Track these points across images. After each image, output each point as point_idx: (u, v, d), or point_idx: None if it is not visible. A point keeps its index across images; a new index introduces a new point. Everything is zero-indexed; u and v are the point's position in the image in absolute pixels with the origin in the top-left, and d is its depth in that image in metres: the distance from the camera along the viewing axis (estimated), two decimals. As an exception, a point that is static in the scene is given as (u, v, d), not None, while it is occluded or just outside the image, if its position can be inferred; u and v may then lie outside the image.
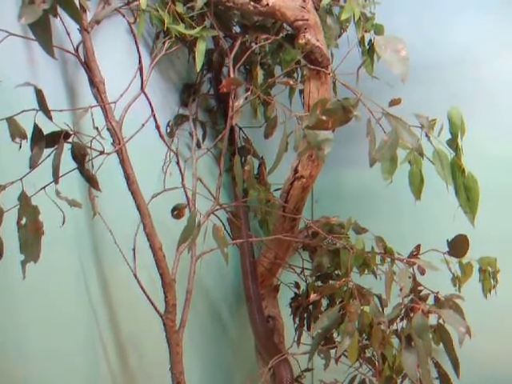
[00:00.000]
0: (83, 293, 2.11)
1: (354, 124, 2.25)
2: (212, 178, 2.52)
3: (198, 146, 2.53)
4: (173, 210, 2.05)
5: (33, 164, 1.40)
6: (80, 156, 1.53)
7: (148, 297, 1.95)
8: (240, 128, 2.73)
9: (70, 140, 1.52)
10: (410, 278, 1.87)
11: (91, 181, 1.61)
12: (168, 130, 2.49)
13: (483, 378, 3.02)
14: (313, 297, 1.92)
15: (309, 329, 2.60)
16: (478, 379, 2.98)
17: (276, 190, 2.68)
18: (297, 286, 2.65)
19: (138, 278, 1.95)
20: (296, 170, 2.34)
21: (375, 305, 1.88)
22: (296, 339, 2.61)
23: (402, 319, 2.00)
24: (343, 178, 3.29)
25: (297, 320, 2.66)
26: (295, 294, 2.66)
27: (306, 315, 2.64)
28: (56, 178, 1.42)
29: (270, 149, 2.37)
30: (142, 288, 1.94)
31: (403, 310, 1.90)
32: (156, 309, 1.96)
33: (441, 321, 1.89)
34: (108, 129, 1.87)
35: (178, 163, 2.14)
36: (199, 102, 2.67)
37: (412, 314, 1.85)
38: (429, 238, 2.14)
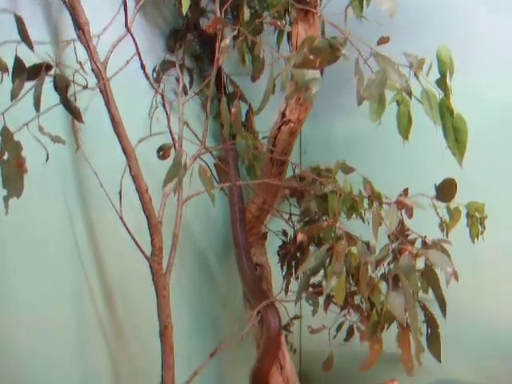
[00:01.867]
0: (69, 237, 2.10)
1: (342, 73, 2.22)
2: (199, 125, 2.48)
3: (185, 92, 2.49)
4: (158, 151, 2.02)
5: (14, 96, 1.37)
6: (62, 88, 1.50)
7: (134, 239, 1.93)
8: (227, 76, 2.69)
9: (52, 73, 1.49)
10: (397, 217, 1.85)
11: (74, 113, 1.58)
12: (154, 76, 2.45)
13: (468, 322, 3.05)
14: (300, 237, 1.91)
15: (297, 277, 2.60)
16: (463, 324, 3.00)
17: (264, 137, 2.65)
18: (284, 233, 2.64)
19: (124, 221, 1.93)
20: (284, 115, 2.32)
21: (362, 245, 1.86)
22: (284, 287, 2.61)
23: (389, 264, 1.99)
24: (331, 128, 3.26)
25: (284, 268, 2.66)
26: (283, 241, 2.65)
27: (293, 263, 2.64)
28: (37, 107, 1.39)
29: (258, 97, 2.34)
30: (128, 231, 1.93)
31: (390, 252, 1.88)
32: (142, 252, 1.94)
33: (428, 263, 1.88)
34: (93, 69, 1.83)
35: (164, 105, 2.10)
36: (186, 48, 2.62)
37: (399, 256, 1.84)
38: (417, 184, 2.13)
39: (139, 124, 2.20)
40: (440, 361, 2.12)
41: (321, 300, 2.45)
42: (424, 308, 2.10)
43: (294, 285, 2.57)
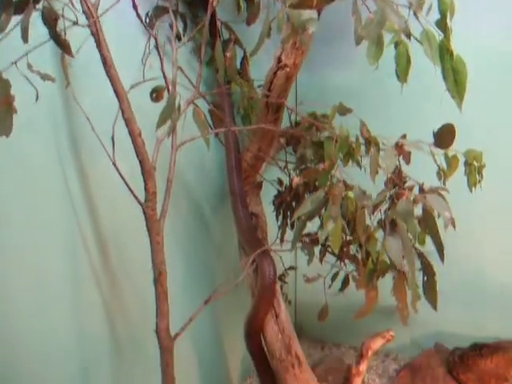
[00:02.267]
0: (60, 183, 2.06)
1: (337, 23, 2.18)
2: (192, 72, 2.44)
3: (179, 38, 2.44)
4: (151, 93, 1.98)
5: (1, 29, 1.32)
6: (51, 21, 1.45)
7: (127, 185, 1.89)
8: (222, 22, 2.63)
9: (40, 6, 1.44)
10: (395, 159, 1.82)
11: (63, 46, 1.54)
12: (147, 21, 2.39)
13: (463, 274, 3.05)
14: (296, 180, 1.87)
15: (292, 226, 2.58)
16: (458, 276, 3.00)
17: (259, 86, 2.60)
18: (280, 182, 2.61)
19: (117, 166, 1.89)
20: (279, 59, 2.27)
21: (359, 189, 1.83)
22: (279, 237, 2.59)
23: (386, 211, 1.97)
24: (327, 78, 3.22)
25: (280, 218, 2.64)
26: (278, 191, 2.62)
27: (289, 212, 2.62)
28: (25, 38, 1.35)
29: (253, 44, 2.29)
30: (121, 176, 1.88)
31: (388, 197, 1.85)
32: (136, 197, 1.91)
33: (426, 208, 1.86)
34: (84, 11, 1.77)
35: (157, 49, 2.05)
36: (179, -6, 2.56)
37: (396, 201, 1.82)
38: (415, 132, 2.11)
39: (132, 70, 2.16)
40: (436, 309, 2.10)
41: (316, 251, 2.45)
42: (420, 255, 2.08)
43: (289, 235, 2.55)
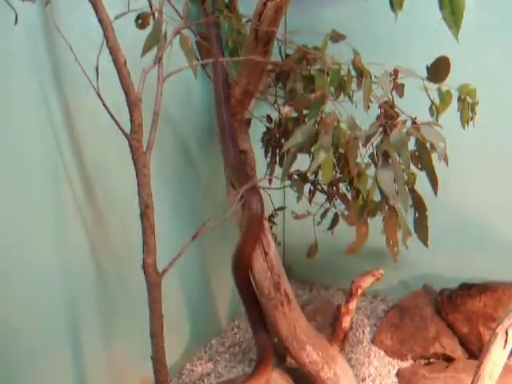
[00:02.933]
0: (42, 117, 2.00)
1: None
2: (179, 3, 2.36)
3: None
4: (137, 19, 1.90)
5: None
6: None
7: (112, 116, 1.83)
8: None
9: None
10: (390, 83, 1.77)
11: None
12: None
13: (453, 215, 3.03)
14: (286, 110, 1.81)
15: (281, 164, 2.54)
16: (448, 217, 2.98)
17: (248, 21, 2.52)
18: (269, 119, 2.56)
19: (101, 97, 1.82)
20: (270, -11, 2.19)
21: (352, 119, 1.78)
22: (268, 175, 2.54)
23: (378, 146, 1.92)
24: (318, 18, 3.16)
25: (269, 156, 2.60)
26: (267, 128, 2.57)
27: (278, 150, 2.57)
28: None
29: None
30: (105, 107, 1.82)
31: (381, 129, 1.80)
32: (121, 129, 1.85)
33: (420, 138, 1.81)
34: None
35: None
36: None
37: (390, 131, 1.77)
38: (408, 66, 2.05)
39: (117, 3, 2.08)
40: (427, 246, 2.07)
41: (306, 192, 2.42)
42: (412, 191, 2.05)
43: (278, 173, 2.52)
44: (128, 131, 1.87)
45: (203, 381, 2.74)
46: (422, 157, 1.79)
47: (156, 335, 1.99)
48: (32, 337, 2.08)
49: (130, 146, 1.87)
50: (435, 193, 1.82)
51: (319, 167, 1.90)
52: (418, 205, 2.03)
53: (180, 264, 2.49)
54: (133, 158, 1.89)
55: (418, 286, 3.21)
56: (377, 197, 2.25)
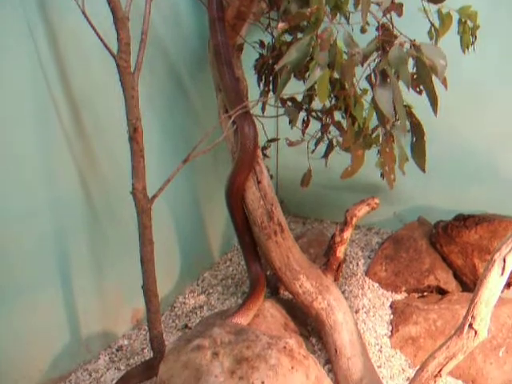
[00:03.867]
0: (29, 46, 1.93)
1: None
2: None
3: None
4: None
5: None
6: None
7: (98, 35, 1.74)
8: None
9: None
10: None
11: None
12: None
13: (449, 147, 2.98)
14: (280, 25, 1.73)
15: (274, 91, 2.46)
16: (444, 149, 2.93)
17: None
18: (262, 44, 2.47)
19: (87, 16, 1.73)
20: None
21: (349, 36, 1.70)
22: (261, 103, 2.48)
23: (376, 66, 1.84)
24: None
25: (262, 84, 2.52)
26: (260, 54, 2.48)
27: (271, 78, 2.50)
28: None
29: None
30: (91, 26, 1.73)
31: (379, 46, 1.73)
32: (108, 49, 1.76)
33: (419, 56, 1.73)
34: None
35: None
36: None
37: (388, 49, 1.69)
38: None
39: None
40: (424, 171, 2.03)
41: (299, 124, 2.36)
42: (410, 114, 1.99)
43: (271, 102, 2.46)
44: (115, 51, 1.79)
45: (196, 313, 2.72)
46: (422, 76, 1.72)
47: (146, 262, 1.95)
48: (20, 269, 2.05)
49: (118, 66, 1.79)
50: (435, 112, 1.76)
51: (314, 90, 1.83)
52: (416, 129, 1.98)
53: (171, 194, 2.45)
54: (120, 80, 1.81)
55: (412, 218, 3.18)
56: (373, 125, 2.21)
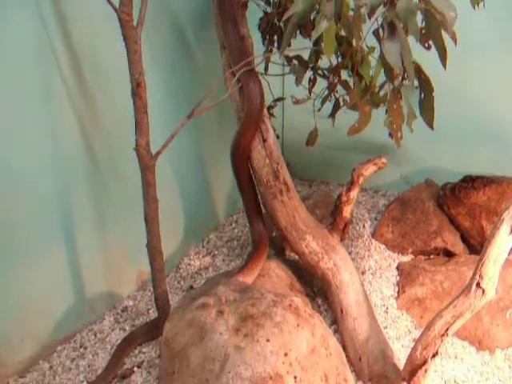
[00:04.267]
0: (31, 2, 1.90)
1: None
2: None
3: None
4: None
5: None
6: None
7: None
8: None
9: None
10: None
11: None
12: None
13: (457, 111, 2.93)
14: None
15: (279, 48, 2.42)
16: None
17: None
18: (267, 1, 2.43)
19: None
20: None
21: (355, -13, 1.66)
22: (264, 62, 2.43)
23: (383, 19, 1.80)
24: None
25: (266, 43, 2.48)
26: (264, 12, 2.44)
27: (276, 37, 2.46)
28: None
29: None
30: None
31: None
32: (110, 3, 1.74)
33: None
34: None
35: None
36: None
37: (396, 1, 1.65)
38: None
39: None
40: (433, 128, 1.99)
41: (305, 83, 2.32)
42: (418, 70, 1.94)
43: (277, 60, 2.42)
44: (117, 5, 1.76)
45: (201, 274, 2.71)
46: (431, 30, 1.68)
47: (150, 220, 1.93)
48: (24, 227, 2.04)
49: (120, 20, 1.76)
50: (444, 67, 1.72)
51: (320, 45, 1.80)
52: (425, 85, 1.94)
53: (175, 154, 2.42)
54: (123, 34, 1.78)
55: (419, 181, 3.13)
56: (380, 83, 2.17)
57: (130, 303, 2.51)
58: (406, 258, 2.79)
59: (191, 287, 2.61)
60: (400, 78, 1.99)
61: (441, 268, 2.56)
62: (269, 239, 2.47)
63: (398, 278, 2.64)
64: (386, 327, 2.34)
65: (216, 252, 2.90)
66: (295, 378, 1.71)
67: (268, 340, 1.71)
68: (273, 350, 1.70)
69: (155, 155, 1.90)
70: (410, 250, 2.82)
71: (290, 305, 1.83)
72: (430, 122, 1.97)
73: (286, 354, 1.71)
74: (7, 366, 2.10)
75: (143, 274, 2.58)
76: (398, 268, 2.71)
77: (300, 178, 3.56)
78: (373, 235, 2.93)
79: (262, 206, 2.42)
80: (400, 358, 2.12)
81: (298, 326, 1.77)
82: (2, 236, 1.96)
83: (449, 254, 2.78)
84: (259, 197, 2.41)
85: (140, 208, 2.01)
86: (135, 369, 2.13)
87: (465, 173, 2.87)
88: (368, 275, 2.64)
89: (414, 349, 1.89)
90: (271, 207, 2.29)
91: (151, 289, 2.51)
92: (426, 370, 1.88)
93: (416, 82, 1.95)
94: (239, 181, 2.40)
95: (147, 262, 2.13)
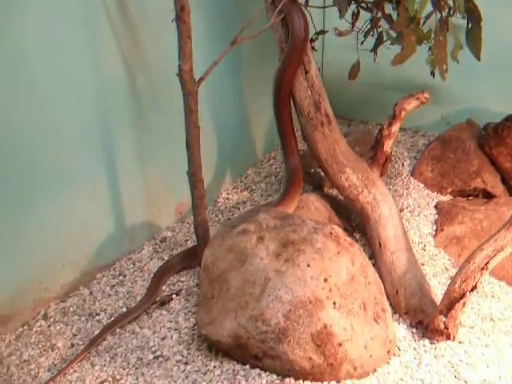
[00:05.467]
0: None
1: None
2: None
3: None
4: None
5: None
6: None
7: None
8: None
9: None
10: None
11: None
12: None
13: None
14: None
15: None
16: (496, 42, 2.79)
17: None
18: None
19: None
20: None
21: None
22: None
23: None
24: None
25: None
26: None
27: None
28: None
29: None
30: None
31: None
32: None
33: None
34: None
35: None
36: None
37: None
38: None
39: None
40: (479, 58, 1.95)
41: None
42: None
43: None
44: None
45: (239, 208, 2.72)
46: None
47: (192, 146, 1.94)
48: (68, 155, 2.06)
49: None
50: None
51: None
52: (473, 14, 1.89)
53: (216, 84, 2.40)
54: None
55: (461, 122, 3.07)
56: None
57: (169, 234, 2.54)
58: (445, 198, 2.76)
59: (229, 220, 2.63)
60: (447, 9, 1.95)
61: (480, 207, 2.54)
62: (306, 175, 2.47)
63: (437, 216, 2.62)
64: (423, 264, 2.34)
65: (254, 187, 2.91)
66: (334, 303, 1.73)
67: (308, 265, 1.72)
68: (313, 275, 1.72)
69: (198, 81, 1.89)
70: (449, 190, 2.79)
71: (331, 232, 1.83)
72: (477, 53, 1.93)
73: (325, 280, 1.73)
74: (49, 290, 2.14)
75: (182, 206, 2.59)
76: (436, 207, 2.69)
77: (339, 116, 3.50)
78: (412, 174, 2.91)
79: (302, 138, 2.39)
80: (437, 294, 2.12)
81: (338, 253, 1.78)
82: (45, 164, 1.99)
83: (488, 196, 2.74)
84: (297, 132, 2.40)
85: (180, 139, 2.01)
86: (174, 296, 2.16)
87: (508, 113, 2.81)
88: (406, 213, 2.63)
89: (452, 282, 1.89)
90: (312, 139, 2.28)
91: (189, 221, 2.55)
92: (464, 304, 1.88)
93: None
94: (279, 114, 2.38)
95: (186, 195, 2.14)
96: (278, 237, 1.80)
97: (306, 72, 2.24)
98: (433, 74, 2.18)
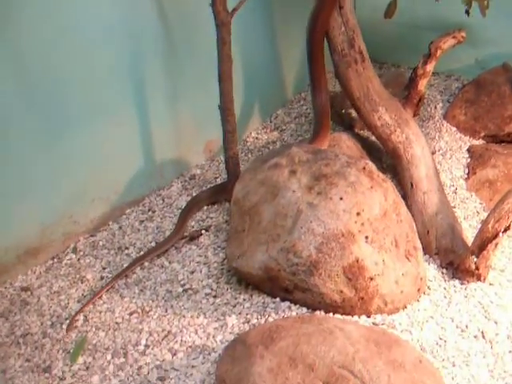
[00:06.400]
0: None
1: None
2: None
3: None
4: None
5: None
6: None
7: None
8: None
9: None
10: None
11: None
12: None
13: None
14: None
15: None
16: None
17: None
18: None
19: None
20: None
21: None
22: None
23: None
24: None
25: None
26: None
27: None
28: None
29: None
30: None
31: None
32: None
33: None
34: None
35: None
36: None
37: None
38: None
39: None
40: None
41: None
42: None
43: None
44: None
45: (268, 148, 2.71)
46: None
47: (224, 80, 1.92)
48: (99, 90, 2.07)
49: None
50: None
51: None
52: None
53: (249, 19, 2.36)
54: None
55: (496, 66, 3.01)
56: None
57: (198, 172, 2.54)
58: (477, 142, 2.72)
59: (258, 160, 2.62)
60: None
61: (513, 151, 2.51)
62: (337, 116, 2.44)
63: (469, 160, 2.58)
64: (454, 207, 2.31)
65: (284, 127, 2.88)
66: (366, 238, 1.72)
67: (341, 198, 1.71)
68: (346, 209, 1.71)
69: (231, 12, 1.86)
70: (482, 134, 2.74)
71: (364, 167, 1.82)
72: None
73: (358, 214, 1.72)
74: (79, 223, 2.17)
75: (212, 144, 2.58)
76: (469, 150, 2.64)
77: (370, 59, 3.46)
78: (444, 117, 2.85)
79: (335, 75, 2.34)
80: (467, 236, 2.10)
81: (371, 188, 1.77)
82: (79, 97, 1.99)
83: (521, 144, 2.70)
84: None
85: (212, 78, 1.99)
86: (203, 231, 2.16)
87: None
88: (438, 156, 2.59)
89: (485, 222, 1.87)
90: (345, 77, 2.25)
91: (219, 159, 2.55)
92: (496, 244, 1.86)
93: None
94: (311, 53, 2.34)
95: (216, 133, 2.13)
96: (310, 170, 1.79)
97: (341, 7, 2.20)
98: (467, 12, 2.13)
